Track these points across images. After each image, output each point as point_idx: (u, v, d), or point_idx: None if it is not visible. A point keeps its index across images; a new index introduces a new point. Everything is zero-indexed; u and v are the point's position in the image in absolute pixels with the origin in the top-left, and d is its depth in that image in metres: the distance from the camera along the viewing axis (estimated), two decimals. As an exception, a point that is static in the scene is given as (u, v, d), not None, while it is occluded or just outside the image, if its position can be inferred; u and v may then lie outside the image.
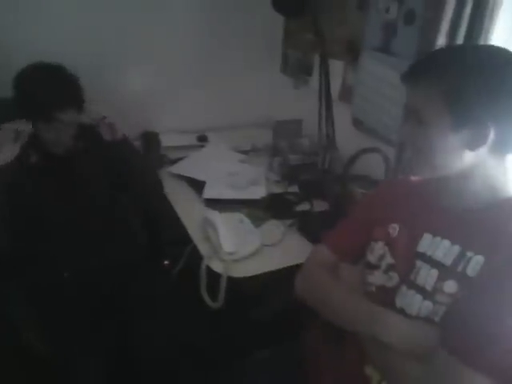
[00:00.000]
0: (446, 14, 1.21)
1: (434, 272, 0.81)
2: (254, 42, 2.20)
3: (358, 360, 0.91)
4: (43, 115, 1.27)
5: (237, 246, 1.32)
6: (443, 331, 0.77)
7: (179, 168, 1.88)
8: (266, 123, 2.20)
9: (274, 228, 1.50)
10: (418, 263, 0.85)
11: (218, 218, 1.38)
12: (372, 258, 0.95)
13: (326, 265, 1.01)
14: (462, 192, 0.83)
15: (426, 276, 0.82)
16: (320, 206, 1.64)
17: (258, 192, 1.70)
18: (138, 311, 1.40)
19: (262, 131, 2.20)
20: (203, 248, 1.37)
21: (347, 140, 1.76)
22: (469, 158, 0.79)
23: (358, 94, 1.71)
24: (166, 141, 2.02)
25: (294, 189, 1.76)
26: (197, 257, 1.36)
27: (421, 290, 0.82)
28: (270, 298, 1.45)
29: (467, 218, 0.82)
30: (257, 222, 1.48)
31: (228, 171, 1.81)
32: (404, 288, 0.86)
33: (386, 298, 0.88)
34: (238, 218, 1.46)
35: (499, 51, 0.77)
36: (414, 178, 0.97)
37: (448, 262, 0.80)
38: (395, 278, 0.89)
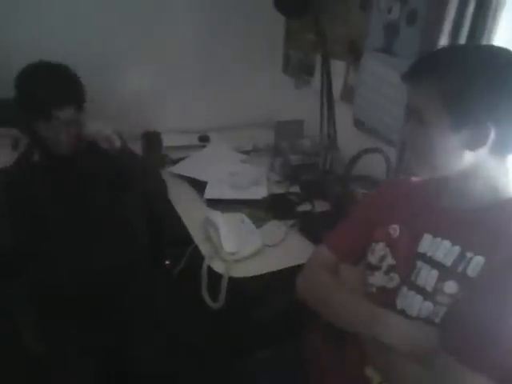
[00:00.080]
0: (449, 15, 1.21)
1: (435, 273, 0.81)
2: (256, 42, 2.20)
3: (359, 361, 0.91)
4: (42, 113, 1.28)
5: (238, 247, 1.32)
6: (444, 332, 0.77)
7: (181, 168, 1.88)
8: (268, 123, 2.21)
9: (276, 228, 1.50)
10: (419, 264, 0.84)
11: (219, 218, 1.38)
12: (373, 258, 0.95)
13: (326, 265, 1.01)
14: (463, 192, 0.83)
15: (427, 277, 0.82)
16: (321, 206, 1.64)
17: (260, 192, 1.70)
18: (138, 311, 1.40)
19: (264, 131, 2.20)
20: (204, 248, 1.38)
21: (349, 140, 1.76)
22: (469, 158, 0.78)
23: (359, 95, 1.71)
24: (168, 141, 2.02)
25: (296, 189, 1.76)
26: (198, 257, 1.36)
27: (421, 291, 0.82)
28: (271, 299, 1.45)
29: (468, 218, 0.81)
30: (258, 222, 1.48)
31: (229, 171, 1.81)
32: (405, 289, 0.85)
33: (386, 299, 0.88)
34: (240, 218, 1.45)
35: (501, 51, 0.77)
36: (414, 179, 0.97)
37: (448, 262, 0.80)
38: (396, 278, 0.88)
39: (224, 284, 1.26)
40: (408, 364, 0.80)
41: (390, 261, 0.91)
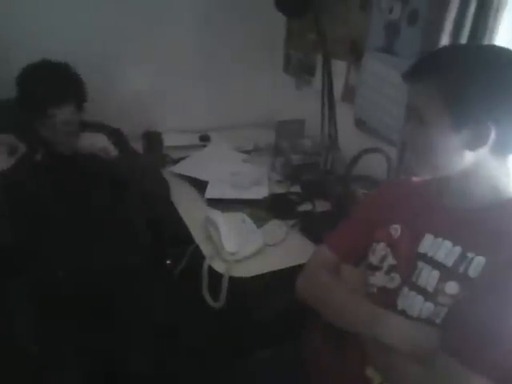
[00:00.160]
0: (450, 15, 1.20)
1: (436, 273, 0.81)
2: (256, 41, 2.20)
3: (359, 361, 0.91)
4: (39, 112, 1.28)
5: (239, 246, 1.32)
6: (444, 333, 0.77)
7: (181, 168, 1.88)
8: (269, 123, 2.20)
9: (276, 228, 1.50)
10: (420, 264, 0.84)
11: (219, 217, 1.38)
12: (374, 259, 0.95)
13: (327, 266, 1.01)
14: (464, 192, 0.83)
15: (428, 277, 0.82)
16: (322, 206, 1.64)
17: (261, 192, 1.70)
18: (138, 312, 1.40)
19: (265, 131, 2.20)
20: (205, 248, 1.38)
21: (349, 140, 1.76)
22: (470, 158, 0.78)
23: (360, 95, 1.71)
24: (169, 140, 2.02)
25: (297, 189, 1.76)
26: (199, 256, 1.36)
27: (422, 292, 0.82)
28: (271, 298, 1.45)
29: (469, 218, 0.81)
30: (259, 222, 1.48)
31: (230, 171, 1.81)
32: (405, 289, 0.85)
33: (387, 299, 0.88)
34: (240, 217, 1.45)
35: (502, 51, 0.77)
36: (415, 179, 0.97)
37: (449, 262, 0.80)
38: (397, 279, 0.88)
39: (225, 284, 1.26)
40: (409, 364, 0.80)
41: (390, 261, 0.91)
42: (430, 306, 0.80)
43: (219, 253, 1.33)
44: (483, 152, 0.77)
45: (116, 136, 1.54)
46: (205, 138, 2.19)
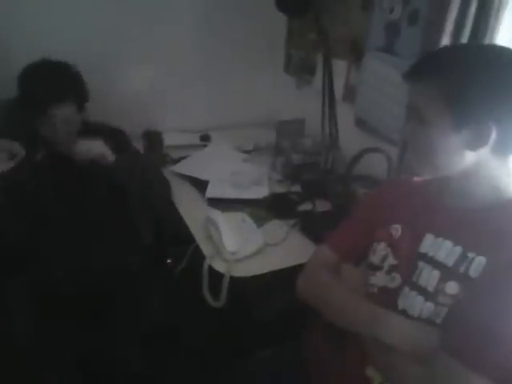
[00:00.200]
0: (451, 15, 1.20)
1: (436, 273, 0.81)
2: (257, 41, 2.20)
3: (360, 361, 0.91)
4: (38, 111, 1.28)
5: (239, 246, 1.32)
6: (445, 333, 0.77)
7: (182, 167, 1.88)
8: (269, 123, 2.20)
9: (277, 228, 1.50)
10: (420, 264, 0.84)
11: (220, 217, 1.38)
12: (375, 258, 0.95)
13: (328, 265, 1.01)
14: (465, 192, 0.83)
15: (428, 277, 0.82)
16: (322, 205, 1.64)
17: (261, 192, 1.70)
18: (137, 312, 1.40)
19: (265, 131, 2.19)
20: (205, 247, 1.38)
21: (350, 140, 1.76)
22: (470, 158, 0.78)
23: (361, 94, 1.71)
24: (169, 140, 2.02)
25: (297, 188, 1.76)
26: (199, 256, 1.36)
27: (423, 291, 0.82)
28: (271, 298, 1.45)
29: (470, 218, 0.81)
30: (259, 221, 1.48)
31: (231, 171, 1.81)
32: (406, 289, 0.85)
33: (387, 299, 0.88)
34: (241, 217, 1.45)
35: (503, 51, 0.77)
36: (415, 178, 0.97)
37: (450, 262, 0.80)
38: (397, 279, 0.88)
39: (225, 283, 1.26)
40: (409, 364, 0.80)
41: (391, 261, 0.91)
42: (430, 305, 0.80)
43: (219, 252, 1.33)
44: (484, 152, 0.77)
45: (117, 137, 1.53)
46: (205, 138, 2.19)
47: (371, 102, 1.65)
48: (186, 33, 2.08)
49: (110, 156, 1.38)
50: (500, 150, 0.77)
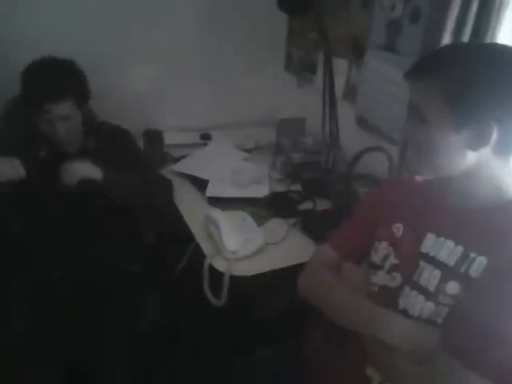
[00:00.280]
0: (452, 13, 1.20)
1: (437, 273, 0.81)
2: (258, 40, 2.20)
3: (360, 360, 0.91)
4: (35, 107, 1.27)
5: (239, 245, 1.32)
6: (445, 332, 0.77)
7: (182, 166, 1.88)
8: (270, 121, 2.20)
9: (277, 226, 1.50)
10: (422, 264, 0.84)
11: (220, 216, 1.38)
12: (376, 258, 0.95)
13: (329, 264, 1.01)
14: (466, 192, 0.83)
15: (429, 277, 0.82)
16: (323, 204, 1.64)
17: (261, 190, 1.70)
18: (138, 311, 1.40)
19: (266, 129, 2.19)
20: (206, 246, 1.38)
21: (351, 139, 1.76)
22: (472, 158, 0.78)
23: (362, 93, 1.70)
24: (169, 139, 2.02)
25: (297, 187, 1.76)
26: (199, 255, 1.36)
27: (423, 291, 0.82)
28: (272, 297, 1.45)
29: (471, 218, 0.81)
30: (260, 220, 1.48)
31: (231, 169, 1.81)
32: (407, 289, 0.85)
33: (388, 298, 0.88)
34: (241, 216, 1.45)
35: (504, 50, 0.76)
36: (417, 178, 0.97)
37: (451, 262, 0.80)
38: (398, 278, 0.88)
39: (226, 282, 1.26)
40: (409, 364, 0.80)
41: (392, 260, 0.91)
42: (430, 305, 0.80)
43: (220, 251, 1.32)
44: (485, 152, 0.77)
45: (122, 137, 1.52)
46: (206, 137, 2.19)
47: (372, 100, 1.65)
48: (187, 31, 2.08)
49: (98, 174, 1.34)
50: (501, 150, 0.77)
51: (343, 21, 1.75)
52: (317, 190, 1.69)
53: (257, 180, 1.76)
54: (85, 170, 1.32)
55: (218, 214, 1.39)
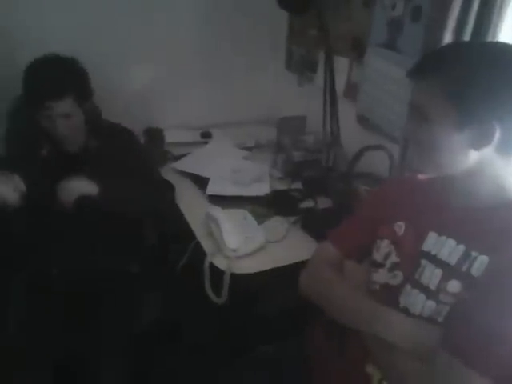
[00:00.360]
0: (453, 12, 1.20)
1: (439, 271, 0.81)
2: (258, 38, 2.20)
3: (361, 358, 0.91)
4: (36, 104, 1.27)
5: (240, 243, 1.32)
6: (446, 331, 0.77)
7: (183, 164, 1.88)
8: (270, 120, 2.20)
9: (278, 225, 1.50)
10: (423, 262, 0.84)
11: (221, 214, 1.38)
12: (378, 256, 0.95)
13: (331, 262, 1.01)
14: (469, 191, 0.83)
15: (431, 275, 0.82)
16: (324, 203, 1.64)
17: (262, 189, 1.70)
18: (131, 313, 1.40)
19: (266, 128, 2.19)
20: (206, 244, 1.38)
21: (351, 137, 1.76)
22: (474, 157, 0.78)
23: (363, 91, 1.70)
24: (170, 137, 2.02)
25: (298, 186, 1.76)
26: (200, 253, 1.36)
27: (424, 290, 0.82)
28: (273, 295, 1.45)
29: (474, 217, 0.81)
30: (260, 218, 1.48)
31: (231, 168, 1.81)
32: (408, 287, 0.85)
33: (389, 296, 0.88)
34: (242, 214, 1.46)
35: (506, 49, 0.76)
36: (420, 176, 0.97)
37: (453, 261, 0.80)
38: (399, 276, 0.88)
39: (226, 280, 1.26)
40: (410, 362, 0.80)
41: (394, 258, 0.91)
42: (431, 304, 0.80)
43: (220, 249, 1.33)
44: (488, 151, 0.77)
45: (126, 137, 1.52)
46: (206, 135, 2.19)
47: (373, 99, 1.65)
48: (188, 30, 2.07)
49: (94, 189, 1.33)
50: (504, 149, 0.76)
51: (344, 19, 1.75)
52: (317, 188, 1.69)
53: (257, 178, 1.76)
54: (81, 187, 1.31)
55: (218, 212, 1.39)
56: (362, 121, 1.74)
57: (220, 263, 1.30)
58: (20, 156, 1.41)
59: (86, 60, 1.39)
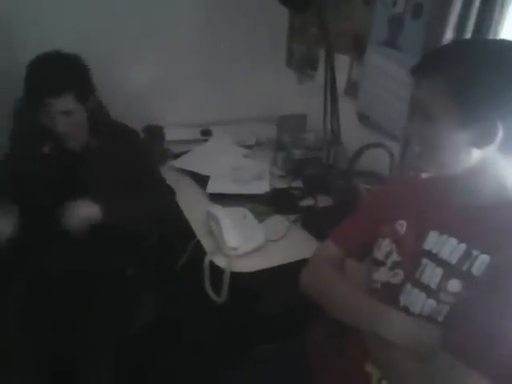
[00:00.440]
0: (454, 8, 1.19)
1: (439, 270, 0.81)
2: (259, 35, 2.19)
3: (360, 357, 0.91)
4: (36, 101, 1.27)
5: (240, 241, 1.32)
6: (447, 331, 0.77)
7: (183, 162, 1.88)
8: (271, 118, 2.20)
9: (278, 223, 1.50)
10: (424, 261, 0.84)
11: (221, 212, 1.38)
12: (379, 254, 0.95)
13: (332, 260, 1.01)
14: (471, 190, 0.82)
15: (431, 274, 0.82)
16: (324, 201, 1.64)
17: (262, 187, 1.70)
18: (138, 309, 1.40)
19: (266, 126, 2.19)
20: (206, 243, 1.38)
21: (352, 135, 1.75)
22: (477, 156, 0.78)
23: (363, 89, 1.70)
24: (170, 135, 2.02)
25: (298, 184, 1.76)
26: (200, 251, 1.36)
27: (425, 289, 0.82)
28: (273, 294, 1.45)
29: (476, 216, 0.81)
30: (260, 217, 1.48)
31: (232, 166, 1.80)
32: (408, 286, 0.85)
33: (390, 295, 0.88)
34: (242, 212, 1.45)
35: (509, 46, 0.76)
36: (422, 175, 0.97)
37: (453, 260, 0.79)
38: (400, 275, 0.88)
39: (226, 279, 1.26)
40: (410, 361, 0.80)
41: (395, 257, 0.90)
42: (432, 303, 0.80)
43: (220, 248, 1.32)
44: (491, 150, 0.76)
45: (130, 137, 1.51)
46: (206, 133, 2.18)
47: (374, 96, 1.64)
48: (188, 27, 2.07)
49: (98, 213, 1.33)
50: (507, 148, 0.76)
51: (345, 16, 1.74)
52: (318, 186, 1.69)
53: (258, 176, 1.76)
54: (84, 212, 1.32)
55: (218, 211, 1.39)
56: (363, 119, 1.73)
57: (220, 262, 1.30)
58: (21, 154, 1.41)
59: (86, 59, 1.38)
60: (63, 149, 1.38)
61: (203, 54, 2.15)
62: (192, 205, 1.58)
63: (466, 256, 0.78)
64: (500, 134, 0.74)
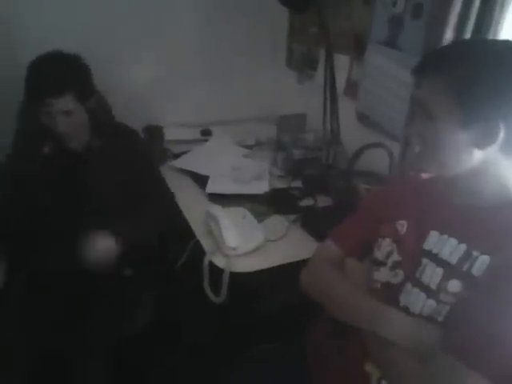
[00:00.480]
0: (454, 8, 1.19)
1: (439, 271, 0.81)
2: (259, 35, 2.19)
3: (360, 357, 0.91)
4: (36, 101, 1.27)
5: (239, 241, 1.31)
6: (447, 331, 0.77)
7: (182, 162, 1.88)
8: (270, 117, 2.19)
9: (278, 223, 1.50)
10: (424, 261, 0.84)
11: (220, 212, 1.38)
12: (379, 254, 0.95)
13: (332, 260, 1.01)
14: (473, 190, 0.82)
15: (431, 274, 0.82)
16: (324, 201, 1.63)
17: (262, 187, 1.70)
18: (139, 308, 1.40)
19: (266, 125, 2.19)
20: (206, 243, 1.38)
21: (352, 135, 1.75)
22: (478, 156, 0.77)
23: (363, 89, 1.70)
24: (170, 134, 2.02)
25: (298, 184, 1.76)
26: (199, 251, 1.36)
27: (425, 289, 0.82)
28: (272, 294, 1.45)
29: (476, 216, 0.81)
30: (260, 216, 1.48)
31: (231, 166, 1.80)
32: (409, 286, 0.85)
33: (390, 295, 0.88)
34: (241, 212, 1.45)
35: (509, 46, 0.76)
36: (423, 175, 0.96)
37: (454, 260, 0.79)
38: (400, 275, 0.88)
39: (226, 279, 1.26)
40: (409, 361, 0.80)
41: (395, 257, 0.90)
42: (432, 303, 0.80)
43: (220, 248, 1.32)
44: (492, 150, 0.76)
45: (130, 137, 1.50)
46: (206, 133, 2.18)
47: (373, 96, 1.64)
48: (188, 27, 2.07)
49: (115, 250, 1.32)
50: (508, 148, 0.76)
51: (344, 16, 1.74)
52: (317, 186, 1.69)
53: (257, 176, 1.76)
54: (102, 245, 1.30)
55: (218, 211, 1.39)
56: (363, 119, 1.73)
57: (219, 262, 1.30)
58: (21, 154, 1.41)
59: (86, 58, 1.38)
60: (64, 149, 1.38)
61: (203, 53, 2.15)
62: (191, 205, 1.58)
63: (467, 256, 0.78)
64: (501, 135, 0.73)
